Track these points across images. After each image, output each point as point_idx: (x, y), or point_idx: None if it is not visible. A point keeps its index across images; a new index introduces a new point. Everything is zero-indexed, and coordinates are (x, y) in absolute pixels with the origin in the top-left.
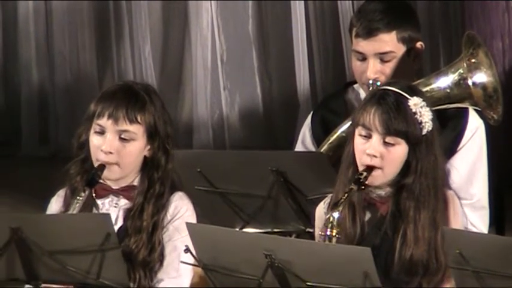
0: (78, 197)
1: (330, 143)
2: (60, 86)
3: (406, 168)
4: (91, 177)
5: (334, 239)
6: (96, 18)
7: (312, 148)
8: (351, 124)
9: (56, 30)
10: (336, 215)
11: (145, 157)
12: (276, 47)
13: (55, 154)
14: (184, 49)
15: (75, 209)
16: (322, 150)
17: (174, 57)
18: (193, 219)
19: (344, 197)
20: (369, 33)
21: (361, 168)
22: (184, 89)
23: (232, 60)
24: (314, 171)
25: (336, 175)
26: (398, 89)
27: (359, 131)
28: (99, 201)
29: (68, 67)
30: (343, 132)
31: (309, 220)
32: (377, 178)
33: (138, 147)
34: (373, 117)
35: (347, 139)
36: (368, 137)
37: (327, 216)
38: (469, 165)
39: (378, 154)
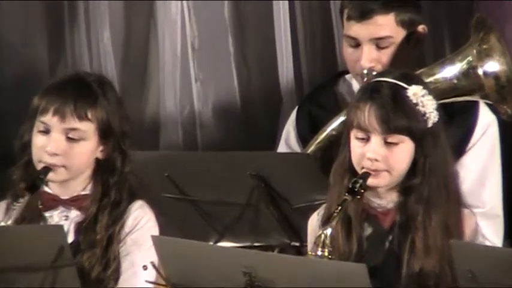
0: (15, 203)
1: (319, 143)
2: (8, 79)
3: (412, 168)
4: (33, 182)
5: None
6: (47, 1)
7: (297, 149)
8: (344, 125)
9: (2, 15)
10: (328, 231)
11: (97, 159)
12: (255, 32)
13: (2, 157)
14: (149, 34)
15: (10, 218)
16: (309, 151)
17: (137, 44)
18: (155, 232)
19: (337, 210)
20: (363, 15)
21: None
22: (150, 81)
23: (205, 47)
24: (300, 175)
25: (326, 179)
26: (392, 78)
27: (354, 133)
28: (47, 214)
29: (15, 57)
30: (333, 130)
31: (294, 232)
32: (383, 179)
33: (88, 148)
34: (368, 115)
35: (338, 138)
36: (366, 139)
37: (318, 234)
38: (480, 168)
39: (380, 157)
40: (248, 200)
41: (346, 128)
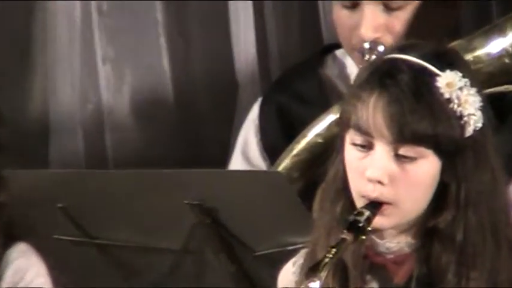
0: None
1: (296, 155)
2: None
3: (440, 198)
4: None
5: None
6: None
7: (261, 164)
8: (336, 124)
9: None
10: (315, 286)
11: None
12: None
13: None
14: None
15: None
16: (280, 167)
17: (14, 9)
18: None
19: (330, 255)
20: None
21: (359, 203)
22: (34, 64)
23: (119, 11)
24: (266, 205)
25: (307, 211)
26: (417, 57)
27: (351, 136)
28: None
29: None
30: (319, 135)
31: None
32: (388, 218)
33: None
34: (373, 112)
35: (326, 148)
36: (367, 147)
37: None
38: None
39: (387, 178)
40: (185, 245)
41: (338, 126)
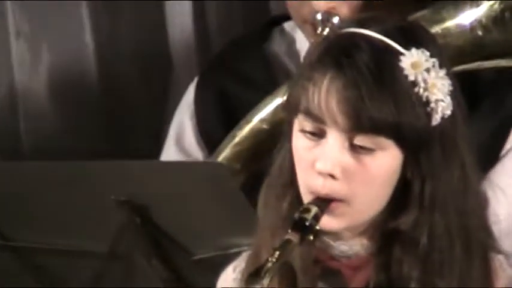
0: None
1: (238, 144)
2: None
3: (401, 197)
4: None
5: None
6: None
7: (198, 154)
8: (283, 108)
9: None
10: None
11: None
12: None
13: None
14: None
15: None
16: (220, 158)
17: None
18: None
19: (273, 259)
20: None
21: (307, 198)
22: None
23: None
24: (206, 202)
25: (251, 208)
26: (379, 32)
27: (300, 123)
28: None
29: None
30: (264, 121)
31: None
32: (338, 219)
33: None
34: (326, 95)
35: (273, 135)
36: (319, 135)
37: None
38: None
39: (339, 171)
40: (112, 247)
41: (285, 111)
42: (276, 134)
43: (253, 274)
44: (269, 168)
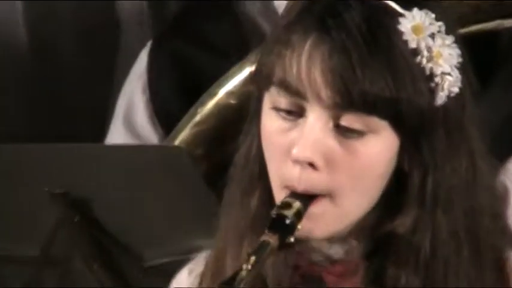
0: None
1: (200, 123)
2: None
3: (397, 193)
4: None
5: None
6: None
7: (150, 134)
8: (251, 79)
9: None
10: None
11: None
12: None
13: None
14: None
15: None
16: (178, 140)
17: None
18: None
19: (249, 266)
20: None
21: (279, 193)
22: None
23: None
24: (160, 195)
25: (217, 204)
26: None
27: (273, 98)
28: None
29: None
30: (231, 94)
31: None
32: (321, 220)
33: None
34: (308, 64)
35: (242, 112)
36: (296, 113)
37: None
38: None
39: (321, 159)
40: (45, 250)
41: (254, 83)
42: (247, 111)
43: (226, 283)
44: (236, 156)
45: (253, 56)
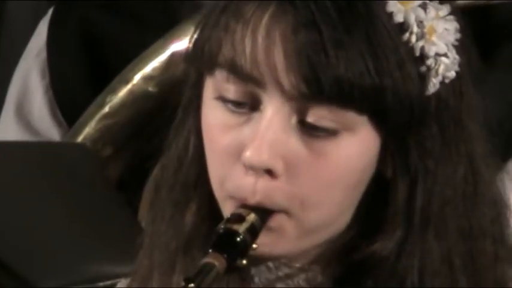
0: None
1: (109, 115)
2: None
3: (377, 208)
4: None
5: None
6: None
7: (49, 128)
8: (185, 59)
9: None
10: None
11: None
12: None
13: None
14: None
15: None
16: (82, 136)
17: None
18: None
19: None
20: None
21: (225, 206)
22: None
23: None
24: (57, 207)
25: (134, 218)
26: None
27: (218, 85)
28: None
29: None
30: (150, 80)
31: None
32: (283, 234)
33: None
34: (265, 42)
35: (166, 105)
36: (249, 105)
37: None
38: None
39: (281, 164)
40: None
41: (191, 71)
42: (170, 102)
43: None
44: (157, 157)
45: (181, 29)
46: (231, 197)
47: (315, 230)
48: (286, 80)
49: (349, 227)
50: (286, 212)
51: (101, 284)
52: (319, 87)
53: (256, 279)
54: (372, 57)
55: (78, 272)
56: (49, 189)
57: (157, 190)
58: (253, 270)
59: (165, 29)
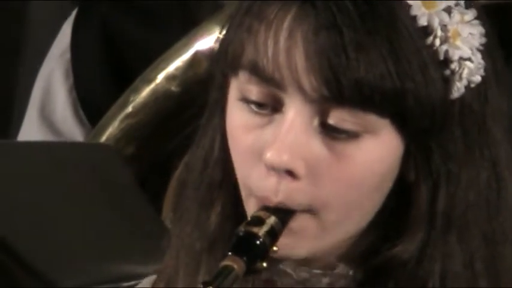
0: None
1: (132, 115)
2: None
3: (400, 211)
4: None
5: None
6: None
7: (73, 129)
8: (211, 61)
9: None
10: None
11: None
12: None
13: None
14: None
15: None
16: (104, 136)
17: None
18: None
19: None
20: None
21: (249, 205)
22: None
23: None
24: (81, 207)
25: (157, 218)
26: None
27: (241, 86)
28: None
29: None
30: (173, 79)
31: None
32: (303, 235)
33: None
34: (287, 44)
35: (190, 105)
36: (271, 107)
37: None
38: None
39: (303, 166)
40: None
41: (215, 72)
42: (193, 102)
43: None
44: (181, 157)
45: (204, 28)
46: (254, 197)
47: (335, 230)
48: (306, 82)
49: (371, 229)
50: (308, 211)
51: (125, 284)
52: (340, 90)
53: (279, 284)
54: (393, 60)
55: (102, 272)
56: (73, 189)
57: (182, 189)
58: (274, 275)
59: (185, 29)
